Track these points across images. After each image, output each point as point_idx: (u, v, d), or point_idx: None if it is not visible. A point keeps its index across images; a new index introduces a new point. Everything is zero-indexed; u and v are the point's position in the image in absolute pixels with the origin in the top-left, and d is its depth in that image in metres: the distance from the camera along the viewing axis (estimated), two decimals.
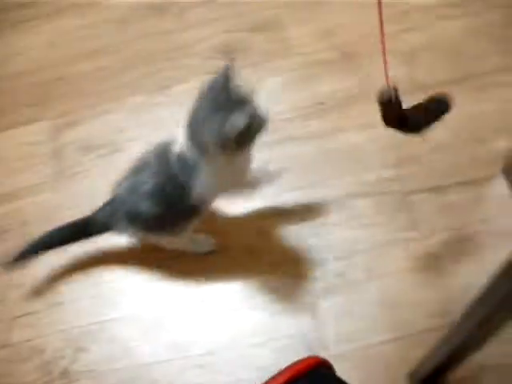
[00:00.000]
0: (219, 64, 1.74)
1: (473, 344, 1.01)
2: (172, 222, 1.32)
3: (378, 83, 1.66)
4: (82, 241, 1.40)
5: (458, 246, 1.45)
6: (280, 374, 1.11)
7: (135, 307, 1.47)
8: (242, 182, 1.34)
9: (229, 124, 1.10)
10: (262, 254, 1.49)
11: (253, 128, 1.15)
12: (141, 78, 1.80)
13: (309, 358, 1.16)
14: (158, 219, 1.28)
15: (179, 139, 1.23)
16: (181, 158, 1.22)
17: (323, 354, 1.34)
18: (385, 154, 1.59)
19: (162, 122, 1.70)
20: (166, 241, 1.42)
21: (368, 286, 1.42)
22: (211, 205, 1.37)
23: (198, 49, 1.84)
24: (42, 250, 1.40)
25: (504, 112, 1.59)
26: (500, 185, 1.52)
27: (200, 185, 1.23)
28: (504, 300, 0.81)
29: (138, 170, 1.30)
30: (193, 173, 1.21)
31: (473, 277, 1.38)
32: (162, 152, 1.27)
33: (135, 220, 1.30)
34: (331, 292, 1.42)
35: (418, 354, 1.26)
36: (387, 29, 1.77)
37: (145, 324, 1.44)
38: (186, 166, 1.22)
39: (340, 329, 1.39)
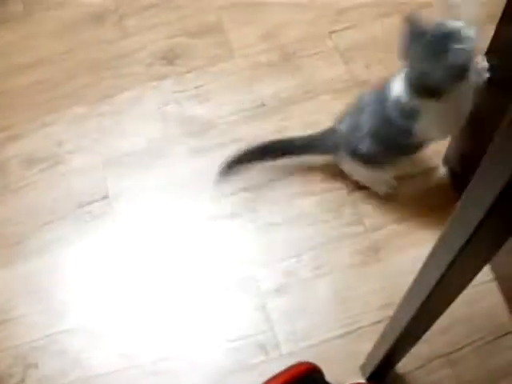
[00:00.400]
0: (162, 70, 1.78)
1: (411, 336, 1.03)
2: (391, 158, 1.43)
3: (320, 83, 1.70)
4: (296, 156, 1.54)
5: (403, 238, 1.48)
6: (273, 379, 1.12)
7: (84, 318, 1.46)
8: (459, 124, 1.34)
9: (452, 55, 1.15)
10: (209, 252, 1.50)
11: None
12: (82, 88, 1.78)
13: (301, 363, 1.17)
14: (376, 156, 1.40)
15: (396, 86, 1.29)
16: (398, 104, 1.28)
17: (275, 354, 1.36)
18: None
19: (106, 132, 1.69)
20: (367, 175, 1.51)
21: (317, 282, 1.44)
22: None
23: (140, 56, 1.83)
24: (254, 159, 1.53)
25: None
26: (441, 177, 1.56)
27: (418, 130, 1.29)
28: (432, 291, 0.83)
29: (358, 109, 1.41)
30: (410, 119, 1.28)
31: (417, 266, 1.43)
32: (380, 95, 1.34)
33: (355, 155, 1.43)
34: (281, 291, 1.43)
35: (369, 346, 1.27)
36: (324, 28, 1.82)
37: (95, 334, 1.43)
38: (403, 111, 1.28)
39: (292, 327, 1.40)
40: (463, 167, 1.51)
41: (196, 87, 1.75)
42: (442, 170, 1.57)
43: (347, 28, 1.82)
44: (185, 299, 1.46)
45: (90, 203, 1.58)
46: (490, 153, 0.58)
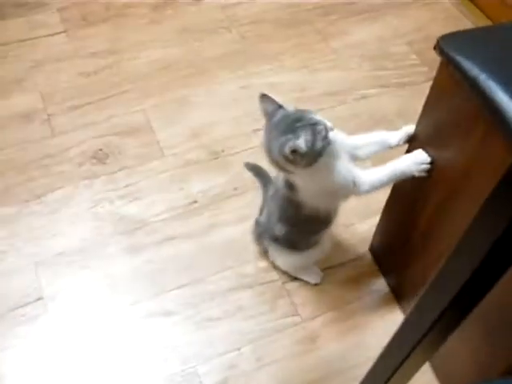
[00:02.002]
0: (93, 169, 1.80)
1: None
2: (304, 236, 1.48)
3: (248, 179, 1.77)
4: None
5: (338, 325, 1.54)
6: None
7: None
8: (338, 186, 1.29)
9: (287, 146, 1.18)
10: (148, 351, 1.50)
11: (315, 147, 1.20)
12: (12, 187, 1.78)
13: None
14: (292, 239, 1.47)
15: None
16: (284, 179, 1.36)
17: None
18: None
19: (37, 232, 1.69)
20: (293, 262, 1.58)
21: (259, 374, 1.46)
22: (333, 215, 1.42)
23: (70, 155, 1.86)
24: None
25: None
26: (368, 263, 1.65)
27: (302, 199, 1.33)
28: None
29: (268, 199, 1.52)
30: (293, 190, 1.33)
31: (354, 352, 1.49)
32: (276, 179, 1.44)
33: (276, 241, 1.51)
34: None
35: None
36: (248, 126, 1.90)
37: None
38: (286, 184, 1.35)
39: None
40: (387, 254, 1.60)
41: (127, 186, 1.79)
42: (369, 257, 1.66)
43: None
44: None
45: (24, 305, 1.55)
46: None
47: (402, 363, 0.88)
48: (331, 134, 1.21)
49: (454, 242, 0.67)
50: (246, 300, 1.57)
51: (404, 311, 1.56)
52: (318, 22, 2.31)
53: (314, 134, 1.19)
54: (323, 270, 1.62)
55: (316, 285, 1.60)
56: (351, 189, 1.28)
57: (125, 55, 2.15)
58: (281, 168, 1.26)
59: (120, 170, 1.83)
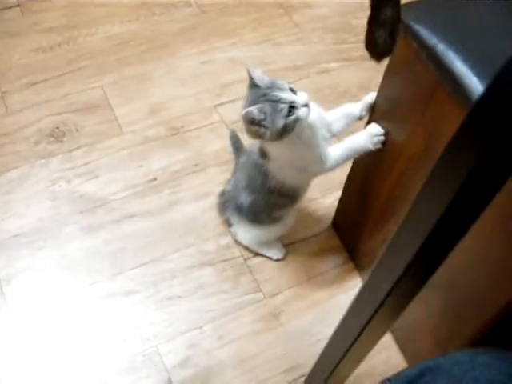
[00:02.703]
0: (49, 148, 1.76)
1: None
2: (268, 208, 1.46)
3: (208, 155, 1.74)
4: None
5: (300, 301, 1.53)
6: None
7: None
8: (306, 161, 1.32)
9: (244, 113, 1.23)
10: (109, 331, 1.47)
11: (275, 123, 1.22)
12: None
13: None
14: (256, 207, 1.46)
15: None
16: (258, 147, 1.38)
17: None
18: (220, 221, 1.64)
19: None
20: (259, 235, 1.56)
21: (221, 352, 1.44)
22: (300, 193, 1.43)
23: (25, 134, 1.80)
24: None
25: None
26: (331, 238, 1.64)
27: (271, 166, 1.35)
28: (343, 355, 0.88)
29: (236, 168, 1.52)
30: (265, 157, 1.35)
31: (317, 327, 1.48)
32: (250, 150, 1.46)
33: (240, 211, 1.50)
34: (186, 364, 1.42)
35: None
36: (208, 102, 1.87)
37: None
38: (260, 151, 1.36)
39: None
40: (350, 228, 1.59)
41: (85, 164, 1.75)
42: (332, 232, 1.65)
43: (231, 101, 1.90)
44: (87, 382, 1.41)
45: None
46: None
47: (361, 332, 0.86)
48: (302, 111, 1.22)
49: None
50: (208, 278, 1.55)
51: None
52: None
53: (275, 110, 1.21)
54: (286, 245, 1.61)
55: (278, 261, 1.59)
56: (318, 165, 1.30)
57: (81, 30, 2.09)
58: (253, 138, 1.28)
59: (78, 148, 1.78)
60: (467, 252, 0.75)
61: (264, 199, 1.43)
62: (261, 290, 1.54)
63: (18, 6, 2.14)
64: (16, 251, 1.58)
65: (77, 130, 1.82)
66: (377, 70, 1.25)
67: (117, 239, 1.61)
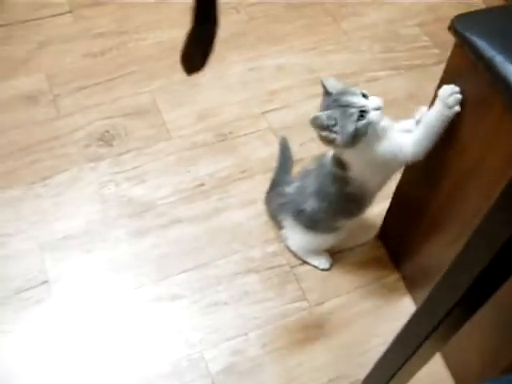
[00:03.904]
0: (99, 152, 1.78)
1: None
2: (332, 216, 1.45)
3: (255, 162, 1.74)
4: None
5: (346, 311, 1.52)
6: None
7: None
8: (386, 159, 1.29)
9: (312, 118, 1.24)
10: (154, 335, 1.48)
11: (345, 128, 1.23)
12: (17, 169, 1.76)
13: None
14: (320, 215, 1.45)
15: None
16: (333, 157, 1.37)
17: None
18: (267, 228, 1.65)
19: (43, 214, 1.67)
20: (310, 242, 1.55)
21: (266, 360, 1.44)
22: (372, 199, 1.42)
23: (76, 137, 1.83)
24: None
25: None
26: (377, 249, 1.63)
27: (351, 176, 1.34)
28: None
29: (304, 174, 1.50)
30: (344, 168, 1.34)
31: (361, 338, 1.47)
32: (322, 160, 1.43)
33: (299, 216, 1.49)
34: (230, 370, 1.42)
35: None
36: (256, 109, 1.89)
37: None
38: (337, 162, 1.35)
39: None
40: (397, 239, 1.58)
41: (134, 168, 1.77)
42: (378, 243, 1.64)
43: (279, 108, 1.90)
44: None
45: (28, 289, 1.54)
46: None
47: (412, 354, 0.86)
48: (373, 115, 1.22)
49: (465, 229, 0.65)
50: (253, 285, 1.55)
51: (413, 297, 1.53)
52: (328, 2, 2.26)
53: (345, 115, 1.23)
54: (332, 254, 1.60)
55: (324, 270, 1.58)
56: (400, 157, 1.28)
57: (132, 36, 2.12)
58: (326, 145, 1.29)
59: (126, 152, 1.81)
60: None
61: (332, 207, 1.42)
62: (306, 299, 1.54)
63: (70, 11, 2.18)
64: (65, 252, 1.61)
65: (126, 134, 1.84)
66: (425, 80, 1.24)
67: (164, 244, 1.62)
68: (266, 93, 1.95)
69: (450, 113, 1.15)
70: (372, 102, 1.23)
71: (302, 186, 1.48)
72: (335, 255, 1.60)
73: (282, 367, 1.44)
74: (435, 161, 1.24)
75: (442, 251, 1.33)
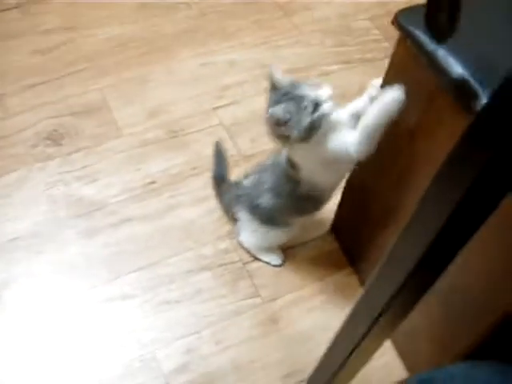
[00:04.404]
0: (47, 151, 1.75)
1: None
2: (287, 213, 1.44)
3: (207, 159, 1.73)
4: None
5: (299, 306, 1.52)
6: None
7: None
8: (333, 156, 1.25)
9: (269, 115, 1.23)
10: (105, 336, 1.46)
11: (301, 122, 1.21)
12: None
13: None
14: (275, 211, 1.43)
15: None
16: (288, 159, 1.35)
17: None
18: (219, 225, 1.64)
19: None
20: (264, 237, 1.53)
21: (219, 358, 1.43)
22: (327, 197, 1.41)
23: (23, 137, 1.79)
24: None
25: None
26: (330, 243, 1.63)
27: (302, 173, 1.32)
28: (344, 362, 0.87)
29: (262, 168, 1.46)
30: (295, 168, 1.33)
31: (315, 333, 1.47)
32: (279, 155, 1.39)
33: (255, 210, 1.47)
34: (183, 370, 1.41)
35: None
36: (208, 105, 1.87)
37: None
38: (289, 161, 1.34)
39: None
40: (349, 233, 1.59)
41: (83, 167, 1.74)
42: (331, 237, 1.64)
43: (230, 104, 1.89)
44: None
45: None
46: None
47: (360, 340, 0.85)
48: (327, 106, 1.20)
49: None
50: (206, 282, 1.54)
51: None
52: None
53: (299, 108, 1.20)
54: (284, 250, 1.60)
55: (276, 266, 1.58)
56: (345, 155, 1.23)
57: (81, 32, 2.08)
58: (279, 142, 1.28)
59: (76, 151, 1.77)
60: (466, 260, 0.75)
61: (288, 204, 1.41)
62: (259, 295, 1.53)
63: (17, 7, 2.13)
64: (13, 255, 1.57)
65: (75, 133, 1.81)
66: (377, 73, 1.24)
67: (114, 243, 1.60)
68: (217, 89, 1.94)
69: (389, 111, 1.14)
70: (324, 93, 1.21)
71: (258, 180, 1.46)
72: (287, 250, 1.60)
73: (237, 364, 1.43)
74: (383, 152, 1.25)
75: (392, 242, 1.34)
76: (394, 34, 1.13)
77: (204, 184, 1.70)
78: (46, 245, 1.59)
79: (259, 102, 1.86)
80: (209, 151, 1.75)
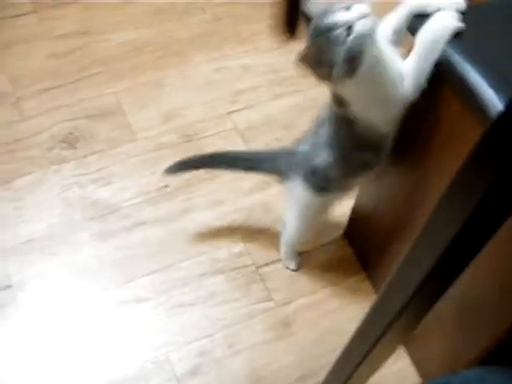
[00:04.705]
0: (63, 154, 1.76)
1: None
2: (346, 170, 1.29)
3: None
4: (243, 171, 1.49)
5: (312, 310, 1.52)
6: None
7: None
8: (389, 87, 1.11)
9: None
10: (119, 338, 1.47)
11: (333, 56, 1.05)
12: None
13: None
14: (330, 175, 1.29)
15: None
16: (334, 97, 1.19)
17: None
18: (233, 229, 1.65)
19: (5, 219, 1.64)
20: (313, 209, 1.41)
21: (232, 361, 1.44)
22: (386, 142, 1.22)
23: (39, 139, 1.81)
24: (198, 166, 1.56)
25: None
26: (343, 248, 1.64)
27: (353, 109, 1.15)
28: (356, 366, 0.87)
29: (316, 127, 1.31)
30: (344, 105, 1.16)
31: (328, 337, 1.47)
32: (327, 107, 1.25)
33: (309, 176, 1.32)
34: (196, 372, 1.42)
35: None
36: (222, 109, 1.88)
37: None
38: (337, 100, 1.18)
39: None
40: (362, 238, 1.59)
41: (98, 170, 1.75)
42: (344, 242, 1.64)
43: (244, 108, 1.90)
44: None
45: None
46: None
47: (374, 346, 0.86)
48: (359, 25, 1.02)
49: None
50: (219, 286, 1.55)
51: None
52: None
53: (331, 41, 1.04)
54: (299, 255, 1.60)
55: (293, 271, 1.58)
56: (401, 86, 1.10)
57: (96, 37, 2.10)
58: (326, 84, 1.13)
59: (91, 154, 1.79)
60: (479, 267, 0.75)
61: (347, 157, 1.26)
62: (272, 299, 1.54)
63: (33, 12, 2.15)
64: (28, 257, 1.58)
65: (90, 136, 1.82)
66: None
67: (128, 246, 1.61)
68: (231, 93, 1.95)
69: (453, 25, 1.01)
70: (354, 12, 1.03)
71: (314, 141, 1.31)
72: (301, 255, 1.60)
73: (249, 367, 1.43)
74: (396, 159, 1.25)
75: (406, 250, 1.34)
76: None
77: (218, 188, 1.71)
78: (60, 247, 1.61)
79: (273, 107, 1.90)
80: None
